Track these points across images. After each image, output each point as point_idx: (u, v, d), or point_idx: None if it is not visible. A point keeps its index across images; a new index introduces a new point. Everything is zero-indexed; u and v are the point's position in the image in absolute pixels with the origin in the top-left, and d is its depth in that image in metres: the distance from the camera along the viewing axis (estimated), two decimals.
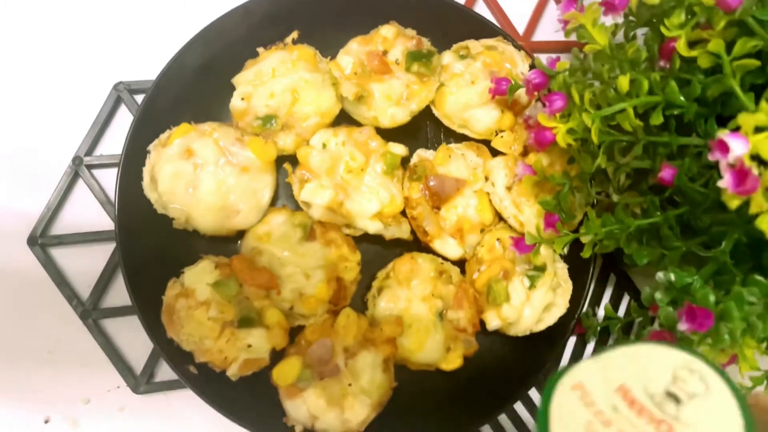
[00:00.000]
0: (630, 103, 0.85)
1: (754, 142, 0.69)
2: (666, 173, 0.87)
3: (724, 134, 0.69)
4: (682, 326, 0.76)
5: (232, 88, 1.09)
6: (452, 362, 1.06)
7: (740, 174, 0.68)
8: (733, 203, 0.70)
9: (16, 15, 1.18)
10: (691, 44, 0.84)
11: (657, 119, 0.85)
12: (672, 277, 0.84)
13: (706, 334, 0.77)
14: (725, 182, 0.68)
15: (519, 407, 1.16)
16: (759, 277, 0.80)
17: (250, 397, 1.02)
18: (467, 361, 1.08)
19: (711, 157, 0.70)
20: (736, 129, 0.70)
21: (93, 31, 1.19)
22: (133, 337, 1.09)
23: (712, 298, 0.77)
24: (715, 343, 0.76)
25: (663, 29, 0.85)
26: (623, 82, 0.85)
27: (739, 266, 0.87)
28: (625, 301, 1.25)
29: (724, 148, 0.69)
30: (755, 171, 0.67)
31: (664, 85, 0.85)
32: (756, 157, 0.69)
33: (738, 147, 0.68)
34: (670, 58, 0.87)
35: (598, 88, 0.90)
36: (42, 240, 1.09)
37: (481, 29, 1.17)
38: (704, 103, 0.87)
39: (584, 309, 1.18)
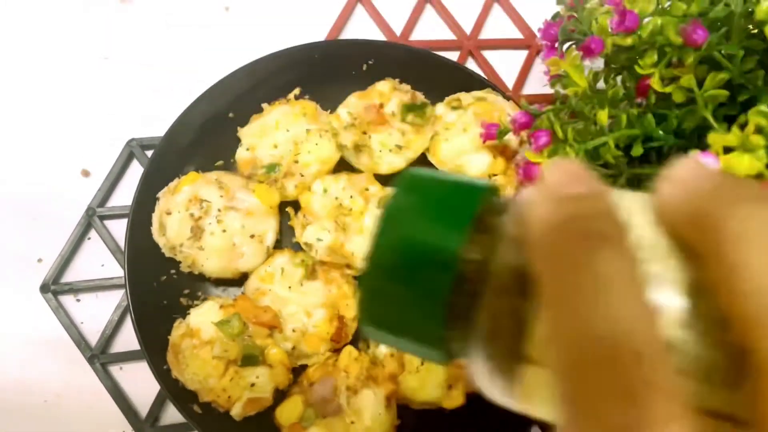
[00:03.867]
0: (611, 136, 0.91)
1: (725, 160, 0.73)
2: None
3: (694, 154, 0.73)
4: None
5: (238, 141, 1.16)
6: (455, 400, 1.06)
7: None
8: None
9: (40, 78, 1.27)
10: (666, 83, 0.91)
11: (637, 151, 0.90)
12: None
13: None
14: None
15: None
16: None
17: None
18: (469, 398, 1.08)
19: None
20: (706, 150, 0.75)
21: (106, 92, 1.28)
22: (139, 382, 1.11)
23: None
24: None
25: (637, 68, 0.91)
26: (602, 116, 0.90)
27: None
28: None
29: None
30: None
31: (642, 119, 0.90)
32: None
33: (708, 165, 0.72)
34: (646, 95, 0.93)
35: (580, 124, 0.95)
36: (54, 287, 1.13)
37: (472, 83, 1.24)
38: (683, 137, 0.93)
39: None
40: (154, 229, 1.08)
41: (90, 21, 1.32)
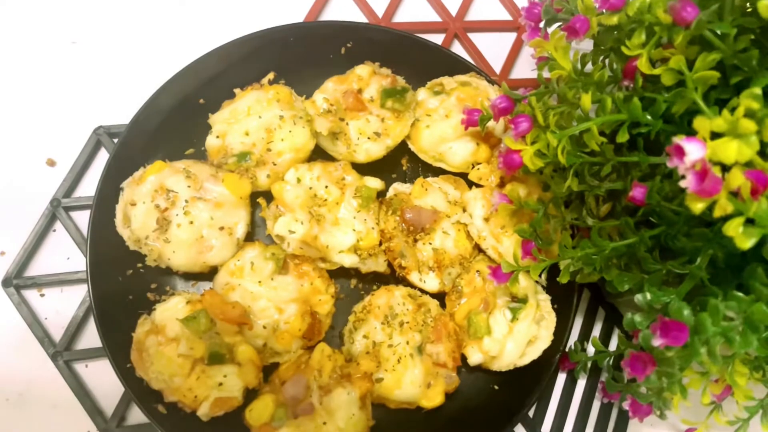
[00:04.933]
0: (594, 122, 0.85)
1: (713, 146, 0.67)
2: (637, 192, 0.86)
3: (680, 139, 0.68)
4: (656, 341, 0.73)
5: (208, 128, 1.11)
6: (433, 399, 1.02)
7: (701, 174, 0.66)
8: (697, 207, 0.68)
9: (4, 63, 1.22)
10: (655, 65, 0.85)
11: (623, 137, 0.85)
12: (648, 296, 0.81)
13: (682, 349, 0.73)
14: (687, 182, 0.67)
15: None
16: (738, 293, 0.77)
17: None
18: (449, 397, 1.03)
19: (669, 164, 0.69)
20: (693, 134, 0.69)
21: (74, 77, 1.23)
22: (104, 380, 1.07)
23: (686, 311, 0.74)
24: (690, 357, 0.72)
25: (624, 49, 0.85)
26: (586, 101, 0.85)
27: (721, 287, 0.85)
28: (616, 336, 1.21)
29: (681, 152, 0.67)
30: (716, 172, 0.66)
31: (628, 103, 0.84)
32: (718, 163, 0.67)
33: (694, 151, 0.67)
34: (633, 78, 0.87)
35: (563, 109, 0.90)
36: (16, 281, 1.09)
37: (456, 67, 1.18)
38: (672, 122, 0.87)
39: (571, 342, 1.14)
40: (118, 221, 1.03)
41: (58, 4, 1.27)
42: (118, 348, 0.98)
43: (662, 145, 0.91)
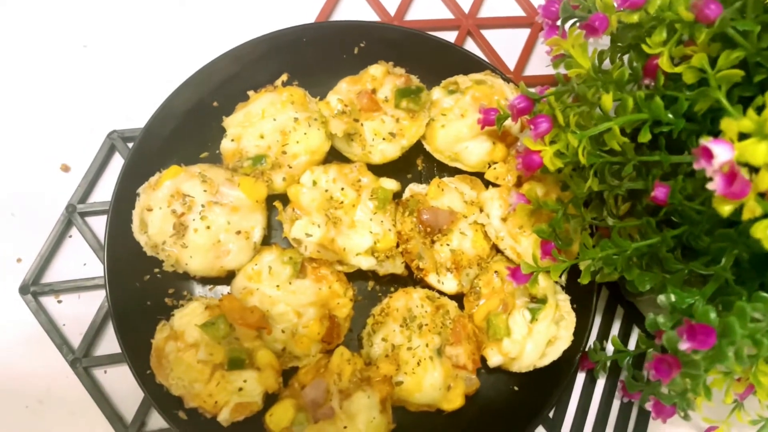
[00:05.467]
0: (616, 121, 0.84)
1: (740, 148, 0.66)
2: (659, 192, 0.85)
3: (707, 141, 0.67)
4: (683, 345, 0.72)
5: (223, 131, 1.10)
6: (453, 401, 1.01)
7: (729, 176, 0.65)
8: (725, 209, 0.67)
9: (16, 67, 1.21)
10: (676, 62, 0.84)
11: (645, 137, 0.83)
12: (672, 297, 0.80)
13: (709, 352, 0.73)
14: (714, 185, 0.66)
15: None
16: (764, 294, 0.76)
17: None
18: (469, 400, 1.03)
19: (696, 166, 0.68)
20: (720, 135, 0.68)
21: (87, 81, 1.22)
22: (124, 386, 1.07)
23: (712, 314, 0.73)
24: (717, 360, 0.72)
25: (645, 47, 0.84)
26: (606, 101, 0.84)
27: (745, 286, 0.84)
28: (635, 335, 1.20)
29: (708, 155, 0.66)
30: (744, 174, 0.65)
31: (649, 102, 0.83)
32: (746, 164, 0.66)
33: (722, 153, 0.66)
34: (654, 76, 0.86)
35: (583, 109, 0.89)
36: (34, 288, 1.09)
37: (470, 65, 1.17)
38: (694, 120, 0.86)
39: (591, 343, 1.14)
40: (135, 226, 1.03)
41: (68, 7, 1.26)
42: (137, 354, 0.98)
43: (684, 144, 0.90)
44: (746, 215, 0.66)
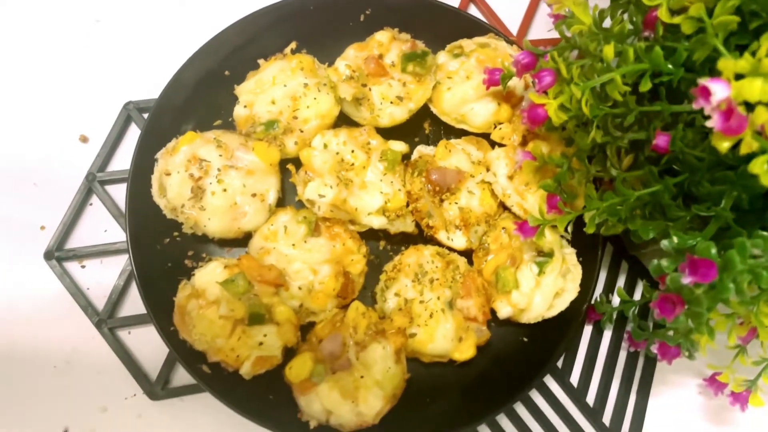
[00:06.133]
0: (617, 72, 0.87)
1: (737, 86, 0.69)
2: (660, 140, 0.88)
3: (705, 80, 0.70)
4: (686, 279, 0.76)
5: (235, 98, 1.13)
6: (465, 352, 1.05)
7: (727, 113, 0.68)
8: (723, 146, 0.70)
9: (34, 45, 1.25)
10: (674, 14, 0.86)
11: (645, 86, 0.86)
12: (675, 240, 0.84)
13: (711, 287, 0.76)
14: (713, 122, 0.69)
15: (521, 409, 1.15)
16: (764, 232, 0.79)
17: (265, 395, 1.02)
18: (480, 350, 1.07)
19: (695, 105, 0.71)
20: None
21: (101, 54, 1.26)
22: (148, 346, 1.11)
23: (713, 250, 0.76)
24: (719, 294, 0.75)
25: (644, 0, 0.87)
26: (608, 51, 0.86)
27: (745, 228, 0.87)
28: (640, 288, 1.23)
29: (707, 93, 0.69)
30: (741, 110, 0.68)
31: (649, 53, 0.86)
32: (743, 102, 0.69)
33: (719, 90, 0.69)
34: (653, 28, 0.89)
35: (586, 61, 0.92)
36: (58, 254, 1.13)
37: (474, 29, 1.20)
38: (693, 70, 0.89)
39: (597, 294, 1.17)
40: (154, 191, 1.07)
41: None
42: (161, 313, 1.02)
43: (683, 94, 0.93)
44: (743, 150, 0.69)
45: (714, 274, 0.75)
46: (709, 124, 0.69)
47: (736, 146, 0.71)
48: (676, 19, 0.84)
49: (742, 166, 0.81)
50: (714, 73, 0.87)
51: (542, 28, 1.36)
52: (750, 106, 0.69)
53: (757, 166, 0.70)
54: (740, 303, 0.81)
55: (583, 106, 0.89)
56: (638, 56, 0.86)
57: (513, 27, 1.36)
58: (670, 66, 0.86)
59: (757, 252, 0.77)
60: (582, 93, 0.89)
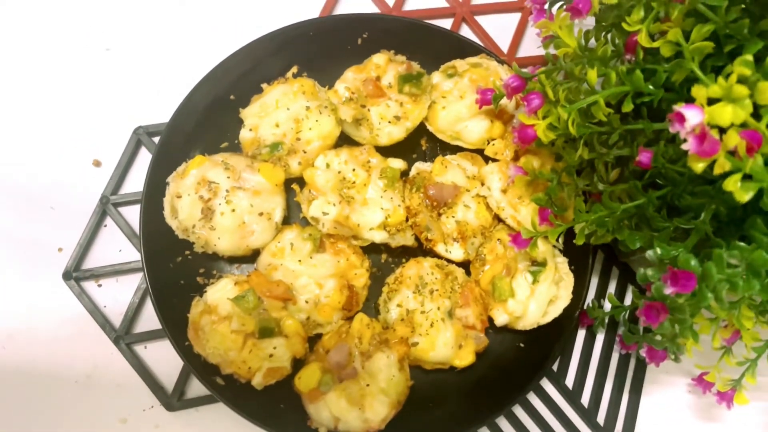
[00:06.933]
0: (601, 94, 0.92)
1: (709, 112, 0.75)
2: (643, 157, 0.94)
3: (680, 107, 0.75)
4: (668, 290, 0.81)
5: (241, 122, 1.19)
6: (464, 358, 1.11)
7: (701, 137, 0.74)
8: (698, 166, 0.76)
9: (47, 73, 1.31)
10: (654, 38, 0.92)
11: (628, 107, 0.92)
12: (659, 251, 0.89)
13: (691, 296, 0.82)
14: (688, 145, 0.74)
15: (519, 411, 1.21)
16: (740, 243, 0.84)
17: (276, 404, 1.08)
18: (479, 357, 1.12)
19: (672, 129, 0.76)
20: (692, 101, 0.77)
21: (112, 82, 1.31)
22: (163, 359, 1.17)
23: (693, 261, 0.82)
24: (699, 303, 0.81)
25: (625, 25, 0.92)
26: (592, 76, 0.92)
27: (724, 239, 0.92)
28: (630, 293, 1.29)
29: (681, 119, 0.75)
30: (714, 134, 0.73)
31: (630, 76, 0.92)
32: (715, 126, 0.75)
33: (693, 116, 0.74)
34: (634, 52, 0.95)
35: (571, 84, 0.97)
36: (75, 274, 1.18)
37: (466, 49, 1.26)
38: (672, 90, 0.94)
39: (589, 301, 1.23)
40: (166, 212, 1.12)
41: (89, 13, 1.35)
42: (175, 328, 1.07)
43: (664, 112, 0.99)
44: (717, 170, 0.75)
45: (694, 284, 0.80)
46: (684, 146, 0.75)
47: (712, 165, 0.77)
48: (656, 44, 0.90)
49: (718, 181, 0.87)
50: (691, 94, 0.93)
51: (531, 46, 1.42)
52: (722, 129, 0.75)
53: (731, 184, 0.75)
54: (722, 308, 0.87)
55: (570, 125, 0.95)
56: (620, 79, 0.92)
57: (504, 44, 1.42)
58: (650, 87, 0.92)
59: (734, 261, 0.83)
60: (568, 114, 0.94)
